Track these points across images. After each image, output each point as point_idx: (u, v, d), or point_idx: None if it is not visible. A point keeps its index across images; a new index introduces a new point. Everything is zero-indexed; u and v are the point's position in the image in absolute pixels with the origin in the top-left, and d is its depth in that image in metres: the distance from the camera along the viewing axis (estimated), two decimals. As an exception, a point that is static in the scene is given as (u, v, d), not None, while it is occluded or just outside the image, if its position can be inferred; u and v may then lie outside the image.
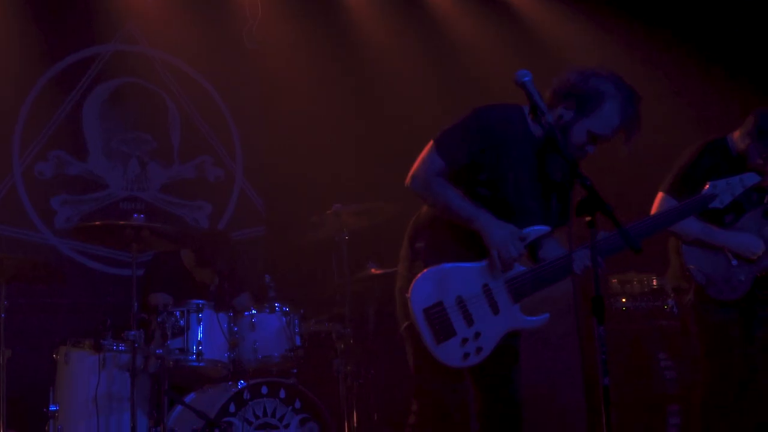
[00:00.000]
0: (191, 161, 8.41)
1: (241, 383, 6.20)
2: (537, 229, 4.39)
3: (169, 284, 6.95)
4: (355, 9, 8.71)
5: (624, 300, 7.15)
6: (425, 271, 4.33)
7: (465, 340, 4.26)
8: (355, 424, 6.83)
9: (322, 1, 8.69)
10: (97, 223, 6.29)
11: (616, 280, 7.14)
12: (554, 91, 4.37)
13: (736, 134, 5.71)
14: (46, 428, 5.94)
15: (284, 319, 6.49)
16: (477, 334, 4.26)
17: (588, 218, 3.87)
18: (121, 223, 6.09)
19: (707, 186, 4.60)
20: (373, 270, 7.14)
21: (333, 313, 7.05)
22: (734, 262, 5.59)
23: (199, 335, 6.27)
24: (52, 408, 5.96)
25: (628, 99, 4.30)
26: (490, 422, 4.54)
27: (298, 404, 6.26)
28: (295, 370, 6.52)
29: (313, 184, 8.15)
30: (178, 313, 6.27)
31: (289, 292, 7.00)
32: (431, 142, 4.39)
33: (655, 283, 6.92)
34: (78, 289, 7.62)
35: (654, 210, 5.64)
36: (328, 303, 7.33)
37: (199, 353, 6.24)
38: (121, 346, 6.09)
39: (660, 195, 5.65)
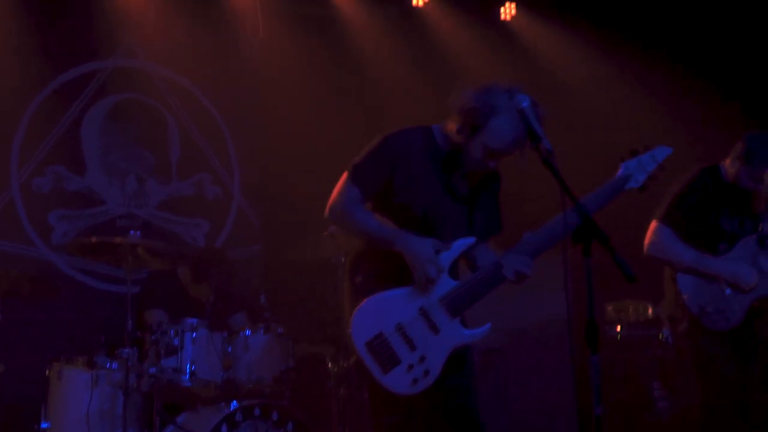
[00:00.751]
0: (190, 178, 8.41)
1: (233, 404, 6.15)
2: (461, 243, 4.41)
3: (165, 302, 6.94)
4: (355, 28, 8.73)
5: (619, 328, 7.15)
6: (362, 304, 4.35)
7: (411, 366, 4.27)
8: (348, 448, 6.82)
9: (322, 20, 8.72)
10: (93, 239, 6.26)
11: (611, 308, 7.14)
12: (452, 106, 4.39)
13: (727, 161, 5.72)
14: (38, 446, 5.92)
15: (278, 340, 6.48)
16: (422, 358, 4.28)
17: (582, 246, 3.90)
18: (117, 240, 6.09)
19: (620, 168, 4.50)
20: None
21: (326, 335, 7.03)
22: (728, 292, 5.57)
23: (193, 355, 6.24)
24: (44, 425, 5.96)
25: (521, 110, 4.24)
26: None
27: (290, 427, 6.21)
28: (288, 392, 6.50)
29: (310, 204, 8.09)
30: (172, 332, 6.25)
31: (284, 312, 6.99)
32: (345, 174, 4.44)
33: (650, 312, 6.92)
34: (73, 305, 7.59)
35: (647, 242, 5.63)
36: (321, 325, 7.32)
37: (192, 373, 6.21)
38: (114, 364, 6.09)
39: (654, 224, 5.64)
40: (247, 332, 6.44)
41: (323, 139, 8.32)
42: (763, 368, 5.71)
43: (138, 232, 6.18)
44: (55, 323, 7.38)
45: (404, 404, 4.34)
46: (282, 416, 6.20)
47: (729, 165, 5.68)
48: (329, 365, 6.92)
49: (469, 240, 4.42)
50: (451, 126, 4.42)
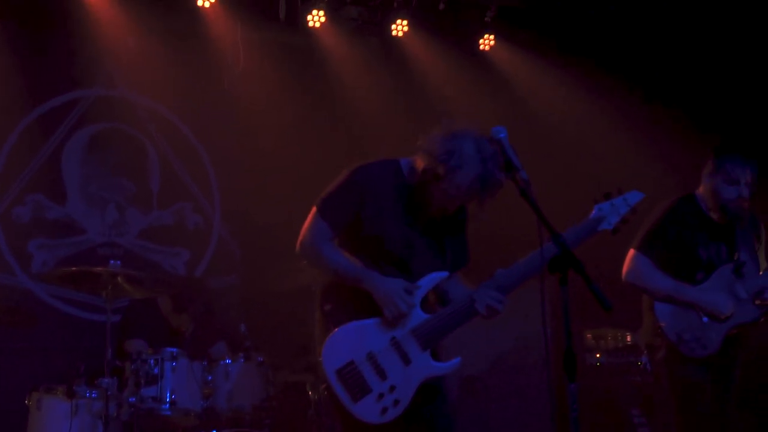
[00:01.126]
0: (170, 207, 8.42)
1: (213, 433, 6.18)
2: (432, 277, 4.45)
3: (145, 331, 6.94)
4: (335, 58, 8.77)
5: (598, 355, 7.18)
6: (334, 332, 4.39)
7: (381, 395, 4.31)
8: (328, 476, 6.80)
9: (302, 50, 8.75)
10: (73, 268, 6.25)
11: (590, 336, 7.18)
12: (420, 146, 4.42)
13: (701, 188, 5.77)
14: (17, 475, 5.90)
15: (259, 368, 6.49)
16: (392, 387, 4.31)
17: (560, 275, 3.94)
18: (97, 269, 6.08)
19: (593, 210, 4.55)
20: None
21: (307, 363, 7.03)
22: (705, 320, 5.62)
23: (173, 384, 6.24)
24: (24, 455, 5.93)
25: (484, 161, 4.28)
26: None
27: (270, 455, 6.24)
28: (268, 421, 6.50)
29: (290, 231, 8.13)
30: (152, 361, 6.24)
31: (264, 340, 7.00)
32: (313, 209, 4.49)
33: (629, 339, 6.95)
34: (53, 333, 7.59)
35: (625, 269, 5.68)
36: (302, 352, 7.31)
37: (172, 402, 6.21)
38: (94, 393, 6.06)
39: (631, 252, 5.69)
40: (227, 361, 6.45)
41: (303, 167, 8.34)
42: (739, 393, 5.76)
43: (118, 261, 6.17)
44: (34, 352, 7.36)
45: None
46: (262, 445, 6.22)
47: (703, 188, 5.74)
48: (310, 393, 6.91)
49: (442, 274, 4.47)
50: (419, 163, 4.43)
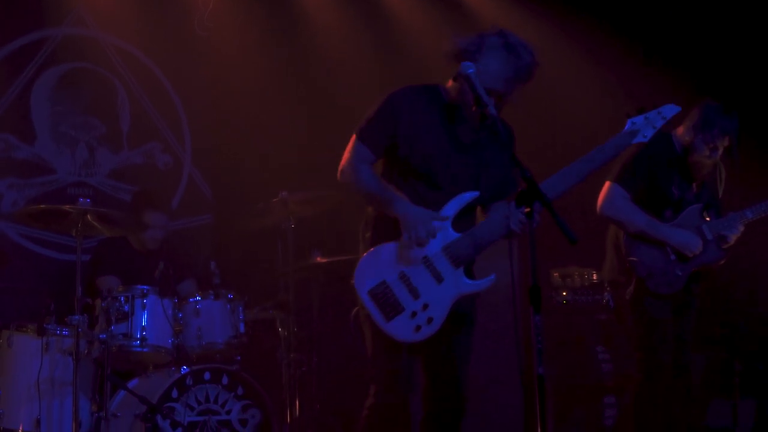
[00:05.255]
0: (140, 147, 8.38)
1: (184, 369, 6.22)
2: (466, 196, 4.46)
3: (116, 268, 6.96)
4: (308, 1, 8.72)
5: (565, 293, 7.25)
6: (366, 254, 4.44)
7: (414, 313, 4.34)
8: (298, 412, 6.88)
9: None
10: (41, 206, 6.23)
11: (557, 274, 7.23)
12: (446, 55, 4.45)
13: (680, 130, 5.82)
14: (-13, 412, 5.92)
15: (229, 306, 6.53)
16: (425, 305, 4.35)
17: (527, 209, 3.98)
18: (66, 207, 6.05)
19: (626, 124, 4.56)
20: (318, 258, 7.18)
21: (277, 301, 7.07)
22: (672, 257, 5.71)
23: (144, 321, 6.28)
24: (-6, 392, 5.96)
25: (511, 48, 4.34)
26: (434, 398, 4.59)
27: (240, 391, 6.30)
28: (238, 357, 6.57)
29: (260, 172, 8.17)
30: (122, 299, 6.28)
31: (234, 278, 7.04)
32: (353, 135, 4.52)
33: (595, 278, 7.01)
34: (23, 273, 7.56)
35: (600, 201, 5.74)
36: (272, 290, 7.36)
37: (143, 339, 6.25)
38: (65, 331, 6.07)
39: (607, 184, 5.75)
40: (197, 298, 6.49)
41: (274, 108, 8.34)
42: (693, 326, 5.87)
43: (88, 199, 6.17)
44: (4, 291, 7.35)
45: (405, 352, 4.42)
46: (232, 380, 6.28)
47: (683, 134, 5.78)
48: (279, 330, 6.98)
49: (472, 194, 4.47)
50: (450, 80, 4.47)
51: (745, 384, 7.28)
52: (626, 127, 4.54)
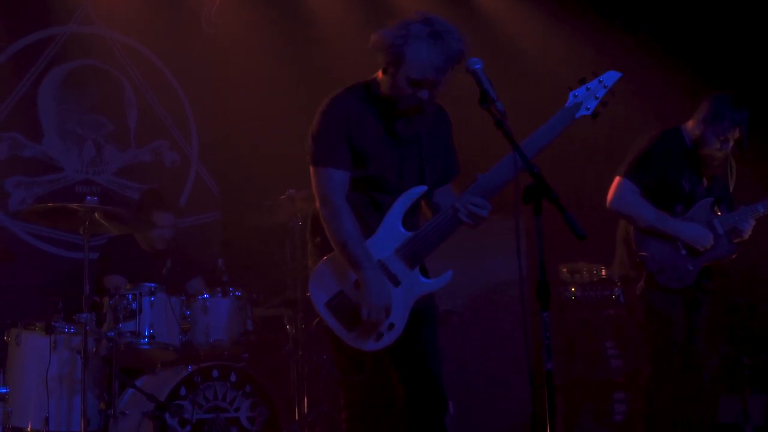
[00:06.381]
0: (148, 145, 8.39)
1: (191, 367, 6.22)
2: (412, 192, 4.30)
3: (123, 267, 6.96)
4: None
5: (573, 289, 7.23)
6: (318, 265, 4.30)
7: None
8: (306, 409, 6.88)
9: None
10: (49, 204, 6.24)
11: (565, 270, 7.22)
12: (373, 49, 4.29)
13: (690, 124, 5.80)
14: (-4, 410, 5.93)
15: (236, 303, 6.53)
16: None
17: (534, 205, 3.94)
18: (74, 205, 6.06)
19: (569, 98, 4.34)
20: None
21: (285, 298, 7.07)
22: (683, 252, 5.68)
23: (151, 318, 6.29)
24: (2, 390, 5.95)
25: (438, 35, 4.16)
26: (413, 401, 4.42)
27: (248, 388, 6.28)
28: (246, 355, 6.57)
29: (268, 169, 8.15)
30: (130, 296, 6.28)
31: (241, 276, 7.04)
32: (316, 167, 4.28)
33: (603, 273, 7.00)
34: (31, 271, 7.59)
35: (610, 196, 5.71)
36: (280, 288, 7.35)
37: (150, 336, 6.26)
38: (73, 329, 6.09)
39: (617, 179, 5.73)
40: (205, 295, 6.49)
41: (280, 105, 8.31)
42: (704, 322, 5.85)
43: (95, 197, 6.18)
44: (12, 289, 7.37)
45: (371, 361, 4.30)
46: (240, 378, 6.27)
47: (693, 127, 5.76)
48: (287, 327, 6.98)
49: (420, 189, 4.33)
50: (380, 72, 4.33)
51: (755, 379, 7.27)
52: (568, 102, 4.32)
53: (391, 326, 4.23)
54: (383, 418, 4.41)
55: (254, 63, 8.44)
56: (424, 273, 4.36)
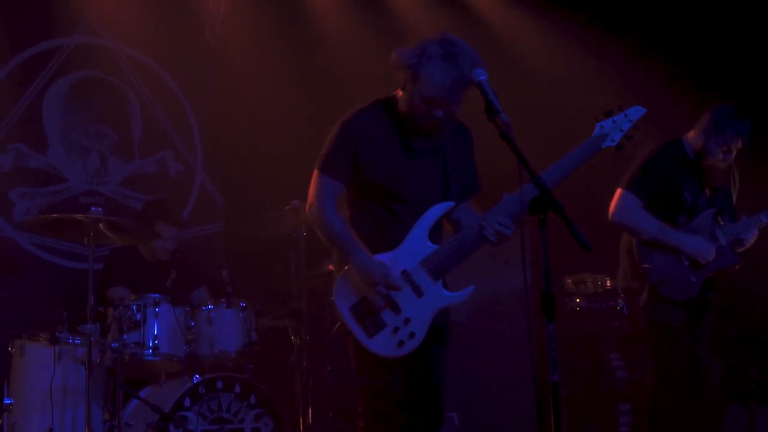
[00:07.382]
0: (152, 156, 8.39)
1: (196, 378, 6.21)
2: (435, 210, 4.44)
3: (127, 278, 6.95)
4: (316, 2, 8.71)
5: (578, 300, 7.23)
6: (344, 270, 4.42)
7: (396, 329, 4.34)
8: (310, 420, 6.87)
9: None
10: (54, 215, 6.24)
11: (570, 281, 7.22)
12: (391, 67, 4.44)
13: (691, 134, 5.81)
14: (0, 421, 5.91)
15: (241, 314, 6.52)
16: (407, 320, 4.34)
17: (540, 216, 3.95)
18: (79, 216, 6.06)
19: (595, 128, 4.48)
20: (330, 266, 7.12)
21: (290, 309, 7.07)
22: (686, 264, 5.68)
23: (156, 329, 6.28)
24: (6, 401, 5.95)
25: (451, 57, 4.29)
26: (408, 403, 4.53)
27: (253, 399, 6.28)
28: (250, 366, 6.55)
29: (272, 180, 8.16)
30: (134, 307, 6.28)
31: (246, 287, 7.03)
32: (315, 170, 4.51)
33: (608, 284, 7.00)
34: (35, 282, 7.58)
35: (612, 208, 5.72)
36: (285, 299, 7.35)
37: (155, 347, 6.25)
38: (77, 340, 6.08)
39: (619, 191, 5.74)
40: (210, 306, 6.48)
41: (285, 116, 8.33)
42: (710, 333, 5.84)
43: (100, 208, 6.18)
44: (17, 300, 7.36)
45: (390, 367, 4.39)
46: (245, 389, 6.26)
47: (695, 138, 5.77)
48: (292, 338, 6.97)
49: (447, 204, 4.47)
50: (399, 90, 4.48)
51: (762, 391, 7.25)
52: (595, 132, 4.48)
53: (412, 335, 4.35)
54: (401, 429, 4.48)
55: (259, 73, 8.44)
56: (446, 286, 4.47)
